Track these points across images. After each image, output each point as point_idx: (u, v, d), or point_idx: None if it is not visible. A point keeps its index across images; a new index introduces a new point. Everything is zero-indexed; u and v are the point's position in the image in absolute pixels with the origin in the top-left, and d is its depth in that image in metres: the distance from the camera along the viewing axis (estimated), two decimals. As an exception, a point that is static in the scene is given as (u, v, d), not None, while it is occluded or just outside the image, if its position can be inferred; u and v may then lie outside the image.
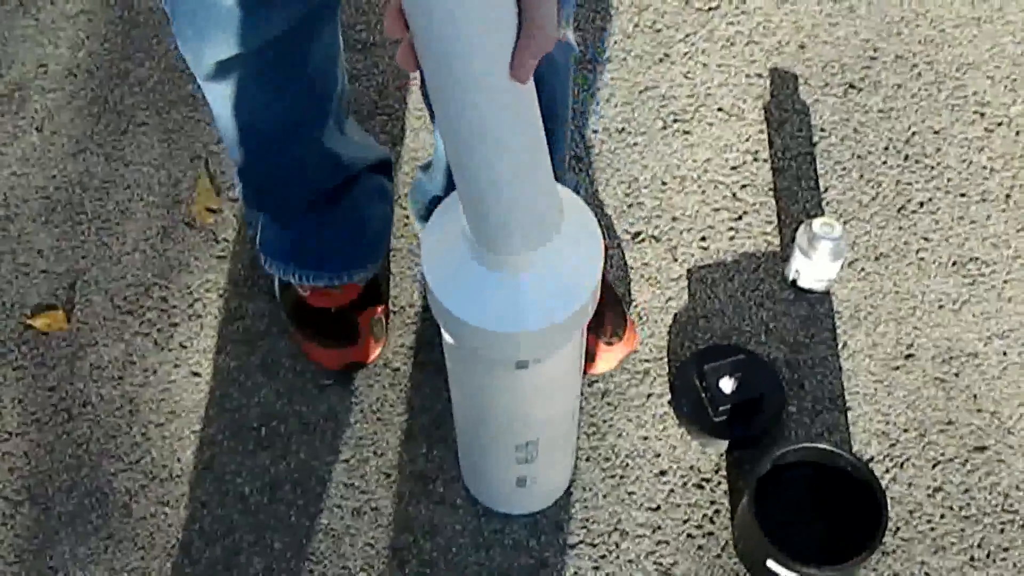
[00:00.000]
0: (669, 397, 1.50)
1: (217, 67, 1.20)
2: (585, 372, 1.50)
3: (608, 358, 1.48)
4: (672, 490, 1.43)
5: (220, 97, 1.26)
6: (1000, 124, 1.72)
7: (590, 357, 1.47)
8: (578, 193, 1.57)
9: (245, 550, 1.40)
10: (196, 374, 1.53)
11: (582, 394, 1.49)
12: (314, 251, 1.46)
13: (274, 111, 1.28)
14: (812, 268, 1.52)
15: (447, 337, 1.07)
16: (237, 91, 1.24)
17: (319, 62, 1.28)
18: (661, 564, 1.38)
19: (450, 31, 0.71)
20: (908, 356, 1.53)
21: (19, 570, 1.39)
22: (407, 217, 1.64)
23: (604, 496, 1.43)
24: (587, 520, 1.42)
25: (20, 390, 1.52)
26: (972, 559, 1.39)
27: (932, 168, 1.68)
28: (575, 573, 1.38)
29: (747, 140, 1.71)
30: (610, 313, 1.48)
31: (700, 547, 1.40)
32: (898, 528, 1.41)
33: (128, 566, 1.39)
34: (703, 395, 1.46)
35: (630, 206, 1.65)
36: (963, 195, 1.66)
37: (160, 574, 1.38)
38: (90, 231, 1.64)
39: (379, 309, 1.51)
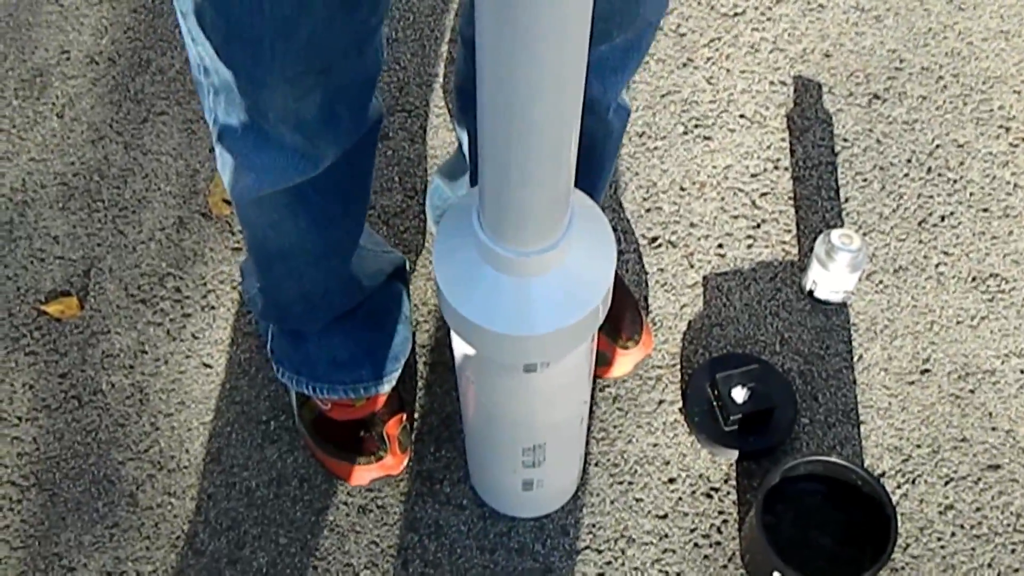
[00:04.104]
0: (681, 404, 1.49)
1: (261, 200, 1.14)
2: (601, 376, 1.48)
3: (624, 362, 1.46)
4: (680, 498, 1.42)
5: (258, 226, 1.21)
6: (1025, 139, 1.71)
7: (606, 361, 1.46)
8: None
9: (250, 543, 1.40)
10: (207, 365, 1.52)
11: (593, 398, 1.48)
12: (329, 364, 1.38)
13: (310, 238, 1.22)
14: (830, 279, 1.50)
15: (457, 339, 1.07)
16: (277, 221, 1.18)
17: (357, 188, 1.23)
18: (667, 573, 1.37)
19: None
20: (924, 371, 1.51)
21: (24, 555, 1.39)
22: (424, 214, 1.64)
23: (611, 502, 1.42)
24: (594, 526, 1.41)
25: (31, 376, 1.52)
26: (982, 579, 1.37)
27: (955, 182, 1.67)
28: (580, 579, 1.37)
29: (768, 148, 1.70)
30: (627, 317, 1.46)
31: (707, 557, 1.38)
32: (908, 545, 1.39)
33: (133, 555, 1.39)
34: (715, 403, 1.45)
35: (648, 211, 1.64)
36: (985, 210, 1.64)
37: (164, 564, 1.38)
38: (107, 219, 1.65)
39: (403, 416, 1.44)
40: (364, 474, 1.40)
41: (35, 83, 1.78)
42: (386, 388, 1.40)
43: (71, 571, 1.38)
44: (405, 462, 1.43)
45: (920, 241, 1.61)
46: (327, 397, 1.40)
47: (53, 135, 1.73)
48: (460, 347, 1.08)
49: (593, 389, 1.49)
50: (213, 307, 1.57)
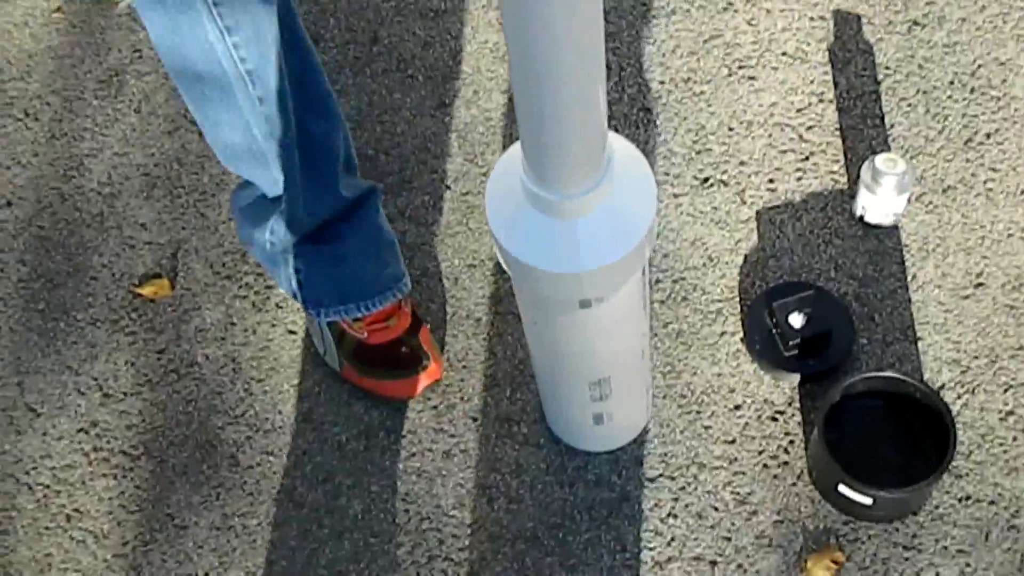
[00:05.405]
0: (741, 335, 1.55)
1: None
2: None
3: None
4: (747, 423, 1.49)
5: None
6: (1068, 51, 1.73)
7: None
8: None
9: (344, 493, 1.50)
10: (292, 332, 1.62)
11: (655, 334, 1.55)
12: (374, 271, 1.47)
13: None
14: (878, 204, 1.55)
15: (516, 282, 1.14)
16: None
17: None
18: (738, 493, 1.44)
19: None
20: (978, 285, 1.55)
21: (140, 518, 1.51)
22: (484, 175, 1.71)
23: (681, 431, 1.49)
24: (666, 455, 1.48)
25: (132, 354, 1.63)
26: (1044, 479, 1.42)
27: (999, 99, 1.70)
28: (655, 505, 1.44)
29: (812, 82, 1.74)
30: None
31: (775, 476, 1.45)
32: (971, 452, 1.44)
33: (238, 511, 1.50)
34: (774, 331, 1.51)
35: (698, 152, 1.70)
36: (1031, 124, 1.67)
37: (268, 517, 1.49)
38: (189, 203, 1.75)
39: (427, 327, 1.56)
40: (416, 385, 1.52)
41: (112, 82, 1.89)
42: (407, 287, 1.51)
43: (183, 529, 1.49)
44: (443, 366, 1.56)
45: (967, 160, 1.65)
46: (366, 314, 1.48)
47: (133, 129, 1.84)
48: (519, 289, 1.16)
49: (654, 325, 1.56)
50: (293, 278, 1.66)
